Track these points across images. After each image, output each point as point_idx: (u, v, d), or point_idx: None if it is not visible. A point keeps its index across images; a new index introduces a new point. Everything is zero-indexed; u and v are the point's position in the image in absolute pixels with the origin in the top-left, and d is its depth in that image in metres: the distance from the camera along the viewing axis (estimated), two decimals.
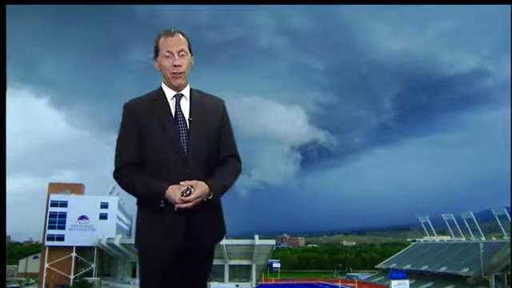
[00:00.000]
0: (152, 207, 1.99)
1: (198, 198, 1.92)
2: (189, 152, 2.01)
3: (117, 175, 2.06)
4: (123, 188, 2.07)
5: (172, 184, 1.95)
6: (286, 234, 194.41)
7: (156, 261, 2.01)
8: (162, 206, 1.94)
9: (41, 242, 67.34)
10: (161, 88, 2.13)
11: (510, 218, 53.95)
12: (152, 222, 2.02)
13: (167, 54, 2.04)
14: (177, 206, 1.91)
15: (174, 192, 1.91)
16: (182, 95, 2.10)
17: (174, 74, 2.05)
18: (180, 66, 2.04)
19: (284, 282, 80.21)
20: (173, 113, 2.06)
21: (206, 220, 2.07)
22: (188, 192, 1.91)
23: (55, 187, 65.38)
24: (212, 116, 2.12)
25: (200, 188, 1.93)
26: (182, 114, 2.07)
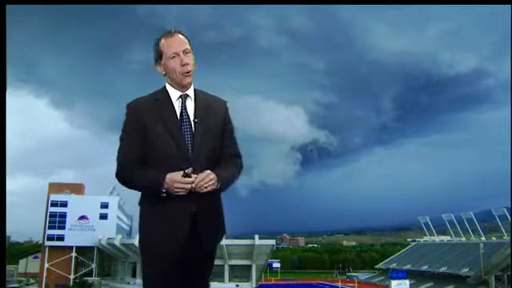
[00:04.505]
0: (154, 203, 1.99)
1: (203, 181, 1.93)
2: (194, 152, 2.01)
3: (119, 174, 2.05)
4: (125, 184, 2.05)
5: None
6: (285, 234, 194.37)
7: (159, 261, 2.01)
8: (164, 195, 1.94)
9: (41, 242, 67.32)
10: (164, 88, 2.11)
11: (510, 218, 53.97)
12: (155, 221, 2.01)
13: (173, 55, 2.03)
14: (178, 185, 1.90)
15: (174, 175, 1.92)
16: (188, 96, 2.09)
17: (184, 72, 2.04)
18: (188, 64, 2.04)
19: (284, 282, 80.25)
20: (178, 113, 2.05)
21: (210, 219, 2.08)
22: (189, 171, 1.92)
23: (55, 187, 65.38)
24: (216, 117, 2.12)
25: (207, 172, 1.95)
26: (188, 114, 2.06)
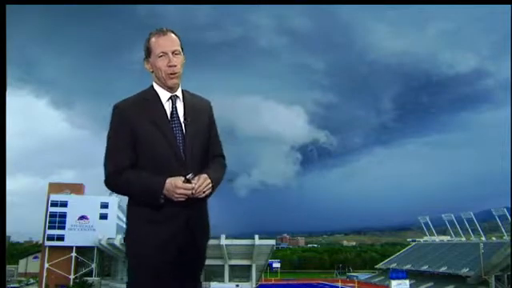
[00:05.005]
0: (146, 207, 1.94)
1: (202, 186, 1.91)
2: (186, 154, 1.99)
3: (110, 179, 1.98)
4: (117, 190, 2.00)
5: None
6: (286, 234, 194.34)
7: (154, 266, 1.96)
8: (162, 201, 1.89)
9: (41, 242, 67.36)
10: (152, 88, 2.07)
11: (510, 218, 53.95)
12: (149, 226, 1.95)
13: (161, 55, 2.00)
14: (179, 191, 1.86)
15: (175, 180, 1.87)
16: (177, 97, 2.06)
17: (171, 73, 2.00)
18: (175, 65, 2.00)
19: (284, 282, 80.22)
20: (168, 114, 2.02)
21: (202, 222, 2.08)
22: (190, 177, 1.88)
23: (55, 187, 65.39)
24: (202, 117, 2.12)
25: (204, 176, 1.93)
26: (178, 115, 2.03)
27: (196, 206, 1.99)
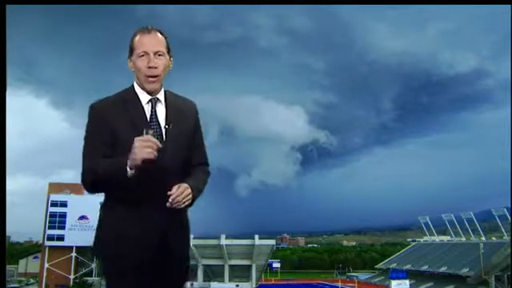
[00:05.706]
0: (122, 209, 1.87)
1: (181, 195, 1.81)
2: (164, 158, 1.87)
3: (85, 175, 1.86)
4: (92, 186, 1.87)
5: (150, 193, 1.86)
6: (286, 234, 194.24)
7: (129, 266, 1.86)
8: (131, 170, 1.74)
9: (41, 241, 67.35)
10: (133, 88, 1.95)
11: (510, 218, 53.94)
12: (124, 228, 1.87)
13: (142, 54, 1.87)
14: (139, 143, 1.71)
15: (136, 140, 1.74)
16: (158, 99, 1.94)
17: (149, 76, 1.88)
18: (156, 67, 1.87)
19: (284, 282, 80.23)
20: (148, 117, 1.90)
21: (180, 231, 2.00)
22: (150, 133, 1.74)
23: (55, 187, 65.34)
24: (186, 121, 2.00)
25: (185, 186, 1.83)
26: (158, 120, 1.92)
27: (175, 215, 1.91)
